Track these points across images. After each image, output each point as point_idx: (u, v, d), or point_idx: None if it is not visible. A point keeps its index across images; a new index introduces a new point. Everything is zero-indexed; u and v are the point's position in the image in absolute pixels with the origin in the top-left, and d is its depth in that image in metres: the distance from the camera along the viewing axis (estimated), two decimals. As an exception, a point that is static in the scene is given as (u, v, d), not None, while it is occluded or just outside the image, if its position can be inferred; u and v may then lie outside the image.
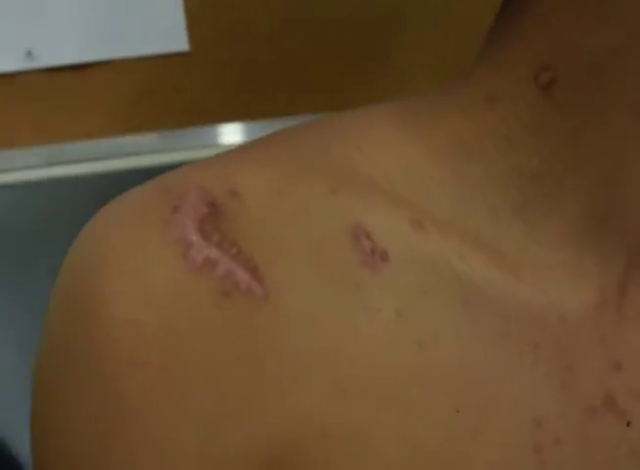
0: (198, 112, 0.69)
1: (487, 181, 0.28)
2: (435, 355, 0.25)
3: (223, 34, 0.67)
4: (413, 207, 0.27)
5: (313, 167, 0.27)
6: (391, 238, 0.26)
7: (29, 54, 0.64)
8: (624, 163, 0.27)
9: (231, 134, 0.70)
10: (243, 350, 0.23)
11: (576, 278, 0.28)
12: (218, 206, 0.24)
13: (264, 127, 0.69)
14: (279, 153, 0.27)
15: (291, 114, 0.69)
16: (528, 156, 0.27)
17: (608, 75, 0.25)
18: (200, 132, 0.69)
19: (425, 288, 0.26)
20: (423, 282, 0.26)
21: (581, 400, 0.27)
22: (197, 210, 0.24)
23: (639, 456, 0.28)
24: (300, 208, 0.25)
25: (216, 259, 0.24)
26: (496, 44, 0.28)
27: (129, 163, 0.67)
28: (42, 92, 0.66)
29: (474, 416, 0.26)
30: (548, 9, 0.26)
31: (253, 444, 0.24)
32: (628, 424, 0.27)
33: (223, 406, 0.23)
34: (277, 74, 0.69)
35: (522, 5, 0.27)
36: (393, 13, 0.67)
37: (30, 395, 0.27)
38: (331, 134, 0.29)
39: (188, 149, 0.67)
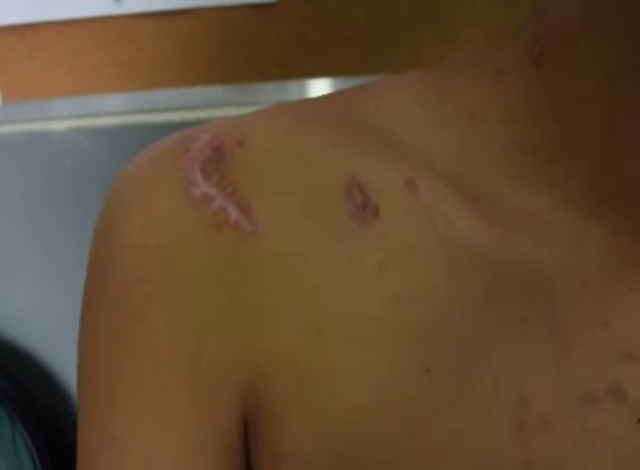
0: (280, 65, 0.68)
1: (488, 151, 0.28)
2: (411, 312, 0.26)
3: (311, -14, 0.65)
4: (411, 167, 0.28)
5: (322, 122, 0.29)
6: (385, 195, 0.27)
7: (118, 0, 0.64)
8: (615, 136, 0.26)
9: (313, 90, 0.69)
10: (229, 277, 0.26)
11: (575, 255, 0.28)
12: (224, 151, 0.28)
13: (347, 84, 0.66)
14: (294, 110, 0.30)
15: (376, 71, 0.67)
16: (525, 128, 0.28)
17: (580, 44, 0.26)
18: (281, 87, 0.68)
19: (410, 246, 0.27)
20: (409, 241, 0.27)
21: (579, 386, 0.27)
22: (203, 152, 0.27)
23: None
24: (300, 157, 0.28)
25: (212, 196, 0.27)
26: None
27: (204, 114, 0.68)
28: (127, 38, 0.67)
29: (445, 379, 0.26)
30: None
31: (235, 363, 0.27)
32: (639, 421, 0.26)
33: (210, 323, 0.27)
34: (364, 30, 0.67)
35: None
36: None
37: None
38: (352, 96, 0.31)
39: (267, 103, 0.65)
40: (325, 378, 0.26)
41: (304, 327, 0.26)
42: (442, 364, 0.26)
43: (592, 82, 0.26)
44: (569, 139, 0.27)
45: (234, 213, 0.27)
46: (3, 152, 0.71)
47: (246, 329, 0.27)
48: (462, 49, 0.65)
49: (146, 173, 0.28)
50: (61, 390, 0.79)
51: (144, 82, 0.68)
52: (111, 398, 0.28)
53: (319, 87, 0.68)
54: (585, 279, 0.27)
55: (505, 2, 0.63)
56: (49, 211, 0.72)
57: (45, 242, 0.74)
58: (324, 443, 0.26)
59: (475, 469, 0.26)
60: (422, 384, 0.26)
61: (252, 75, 0.67)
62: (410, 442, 0.26)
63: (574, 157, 0.27)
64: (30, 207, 0.73)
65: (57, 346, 0.77)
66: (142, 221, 0.27)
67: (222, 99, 0.67)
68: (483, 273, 0.27)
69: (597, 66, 0.25)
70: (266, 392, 0.27)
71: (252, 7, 0.65)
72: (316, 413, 0.26)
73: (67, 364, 0.78)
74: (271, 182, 0.27)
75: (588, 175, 0.27)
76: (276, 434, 0.27)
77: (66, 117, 0.69)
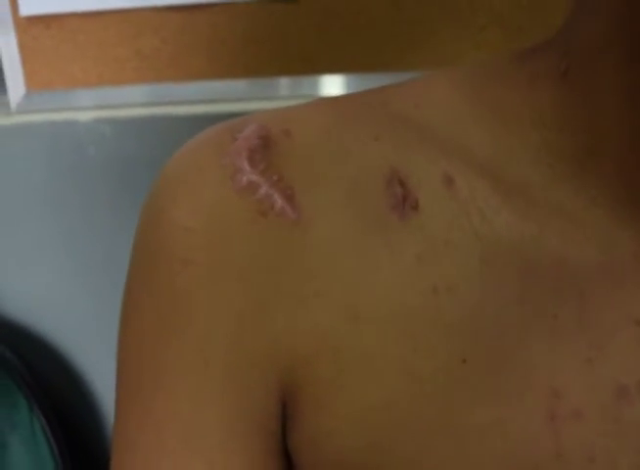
0: (301, 61, 0.69)
1: (521, 152, 0.29)
2: (448, 303, 0.27)
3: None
4: (449, 163, 0.29)
5: (364, 116, 0.30)
6: (424, 189, 0.28)
7: (142, -8, 0.65)
8: (637, 145, 0.27)
9: (333, 86, 0.70)
10: (272, 262, 0.27)
11: (605, 255, 0.29)
12: (271, 140, 0.29)
13: (368, 81, 0.68)
14: (337, 104, 0.31)
15: (396, 69, 0.68)
16: (557, 134, 0.29)
17: (602, 62, 0.27)
18: (301, 82, 0.69)
19: (447, 240, 0.28)
20: (446, 234, 0.28)
21: (612, 380, 0.27)
22: (250, 141, 0.28)
23: None
24: (343, 149, 0.29)
25: (259, 184, 0.28)
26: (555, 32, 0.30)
27: (226, 107, 0.69)
28: (151, 31, 0.68)
29: (480, 370, 0.27)
30: (577, 9, 0.28)
31: (276, 348, 0.28)
32: None
33: (252, 307, 0.28)
34: (386, 28, 0.67)
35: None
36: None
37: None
38: (393, 92, 0.32)
39: (287, 98, 0.66)
40: (363, 364, 0.27)
41: (344, 313, 0.27)
42: (478, 356, 0.27)
43: (613, 97, 0.27)
44: (596, 148, 0.28)
45: (279, 201, 0.27)
46: (28, 140, 0.72)
47: (287, 314, 0.27)
48: (481, 49, 0.66)
49: (193, 162, 0.29)
50: (77, 376, 0.80)
51: (167, 75, 0.69)
52: (152, 377, 0.28)
53: (332, 83, 0.69)
54: (615, 279, 0.28)
55: (524, 3, 0.64)
56: (72, 199, 0.73)
57: (68, 230, 0.75)
58: (361, 426, 0.27)
59: (507, 458, 0.27)
60: (458, 374, 0.27)
61: (275, 70, 0.68)
62: (444, 430, 0.27)
63: (603, 165, 0.28)
64: (54, 195, 0.74)
65: (74, 333, 0.79)
66: (189, 206, 0.28)
67: (244, 92, 0.69)
68: (517, 269, 0.28)
69: (617, 82, 0.27)
70: (306, 375, 0.28)
71: (275, 2, 0.67)
72: (354, 398, 0.27)
73: (83, 351, 0.79)
74: (315, 172, 0.28)
75: (616, 182, 0.28)
76: (315, 417, 0.28)
77: (89, 107, 0.71)
